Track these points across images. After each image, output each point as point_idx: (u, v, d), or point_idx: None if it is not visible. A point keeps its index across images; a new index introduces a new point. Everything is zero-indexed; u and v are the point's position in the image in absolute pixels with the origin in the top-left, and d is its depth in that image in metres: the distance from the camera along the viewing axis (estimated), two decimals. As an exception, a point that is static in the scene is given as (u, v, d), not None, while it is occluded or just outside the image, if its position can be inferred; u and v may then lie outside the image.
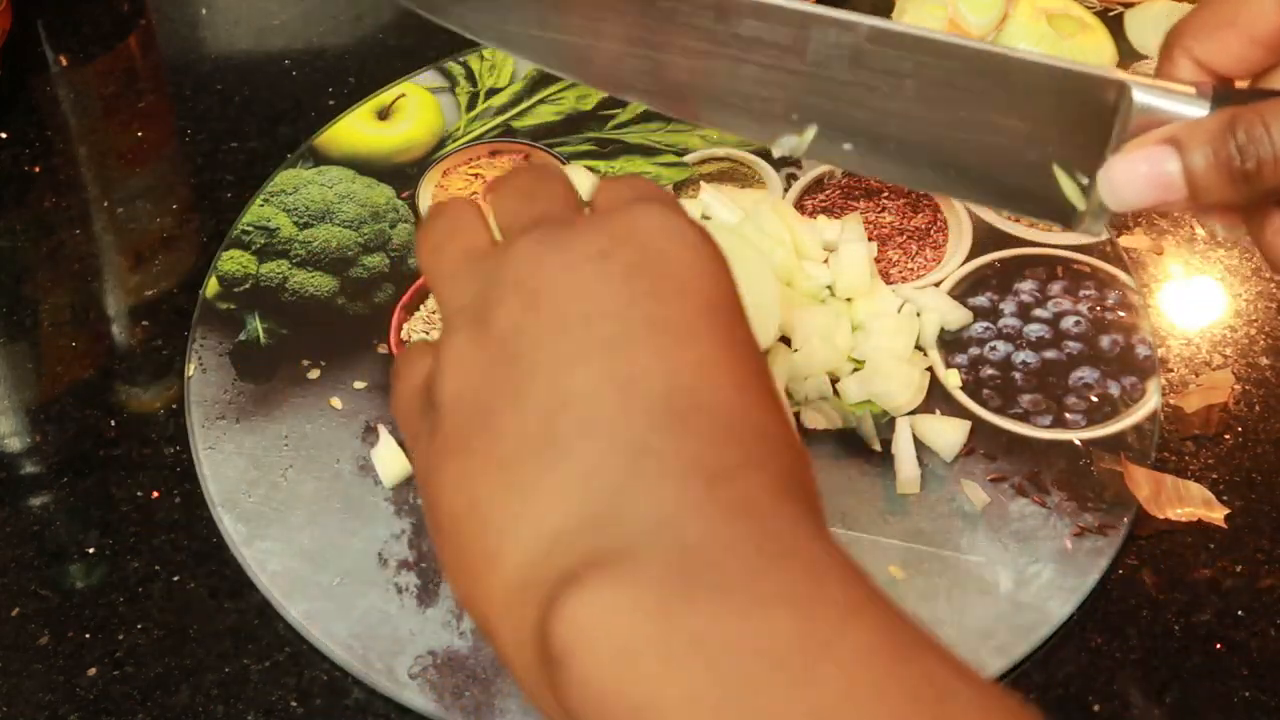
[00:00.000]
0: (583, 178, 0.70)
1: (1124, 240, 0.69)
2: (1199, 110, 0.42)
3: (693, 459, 0.33)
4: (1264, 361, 0.64)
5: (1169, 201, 0.42)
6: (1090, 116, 0.44)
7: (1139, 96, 0.42)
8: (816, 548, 0.32)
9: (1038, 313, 0.65)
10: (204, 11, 0.82)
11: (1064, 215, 0.48)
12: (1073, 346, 0.63)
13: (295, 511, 0.58)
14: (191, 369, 0.63)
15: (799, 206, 0.69)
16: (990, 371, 0.62)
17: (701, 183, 0.69)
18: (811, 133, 0.50)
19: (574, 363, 0.34)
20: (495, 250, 0.38)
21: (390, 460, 0.58)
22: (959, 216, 0.69)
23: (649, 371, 0.34)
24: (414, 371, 0.38)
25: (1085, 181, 0.46)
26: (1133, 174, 0.42)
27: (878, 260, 0.66)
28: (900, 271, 0.66)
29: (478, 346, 0.36)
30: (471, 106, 0.74)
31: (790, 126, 0.50)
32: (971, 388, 0.62)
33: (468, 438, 0.35)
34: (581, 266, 0.36)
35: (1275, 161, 0.40)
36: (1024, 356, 0.63)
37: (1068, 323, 0.64)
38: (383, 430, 0.60)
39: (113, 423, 0.62)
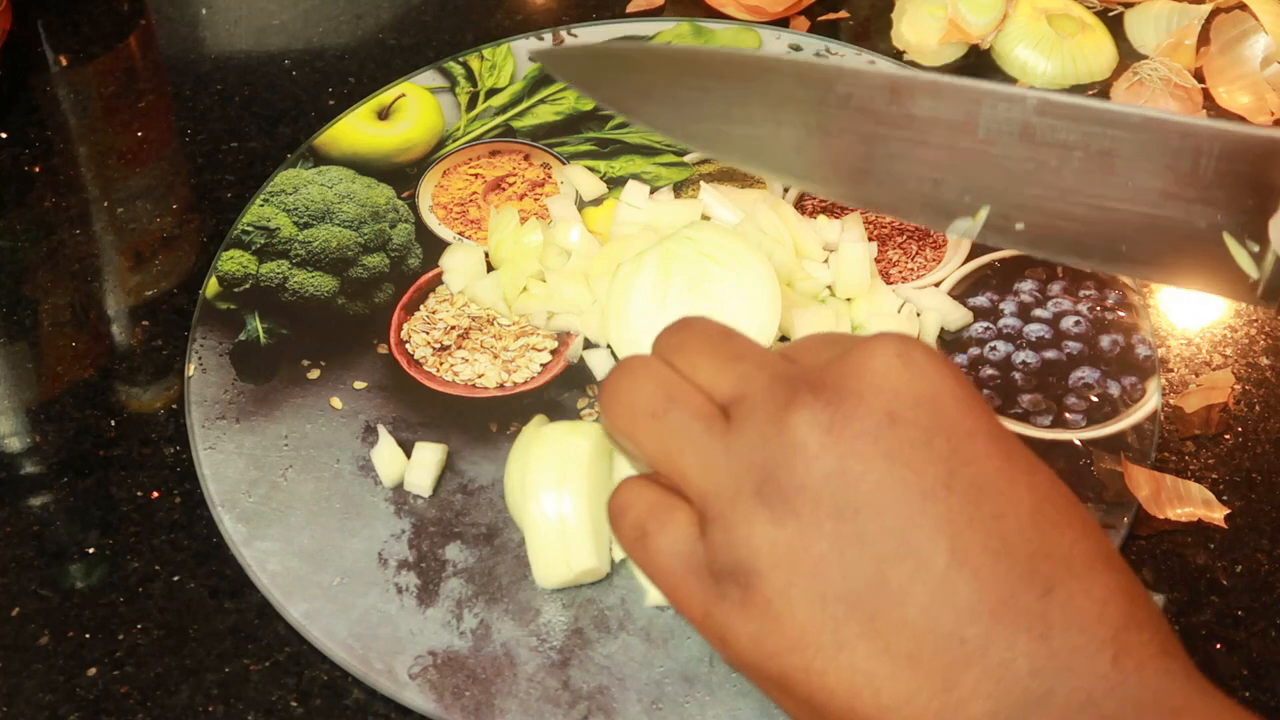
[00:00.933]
0: (584, 178, 0.70)
1: (1124, 240, 0.69)
2: None
3: (1094, 626, 0.35)
4: (1264, 361, 0.64)
5: None
6: (1257, 178, 0.44)
7: None
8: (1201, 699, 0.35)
9: (1038, 313, 0.65)
10: (204, 11, 0.82)
11: (1239, 286, 0.48)
12: (1073, 347, 0.63)
13: (295, 511, 0.58)
14: (191, 369, 0.63)
15: (799, 206, 0.69)
16: (990, 371, 0.62)
17: (701, 183, 0.69)
18: (984, 213, 0.49)
19: (949, 574, 0.35)
20: (743, 427, 0.38)
21: (390, 460, 0.58)
22: (959, 216, 0.69)
23: (1013, 547, 0.35)
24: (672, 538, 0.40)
25: (1257, 249, 0.45)
26: None
27: (878, 260, 0.66)
28: (900, 271, 0.66)
29: (815, 542, 0.36)
30: (471, 106, 0.74)
31: (964, 208, 0.50)
32: (971, 388, 0.62)
33: (851, 632, 0.36)
34: (885, 447, 0.36)
35: None
36: (1024, 356, 0.63)
37: (1068, 323, 0.64)
38: (382, 430, 0.60)
39: (113, 423, 0.62)
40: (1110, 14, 0.81)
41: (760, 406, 0.38)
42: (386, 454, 0.59)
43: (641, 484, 0.41)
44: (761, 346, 0.41)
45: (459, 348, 0.63)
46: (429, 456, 0.58)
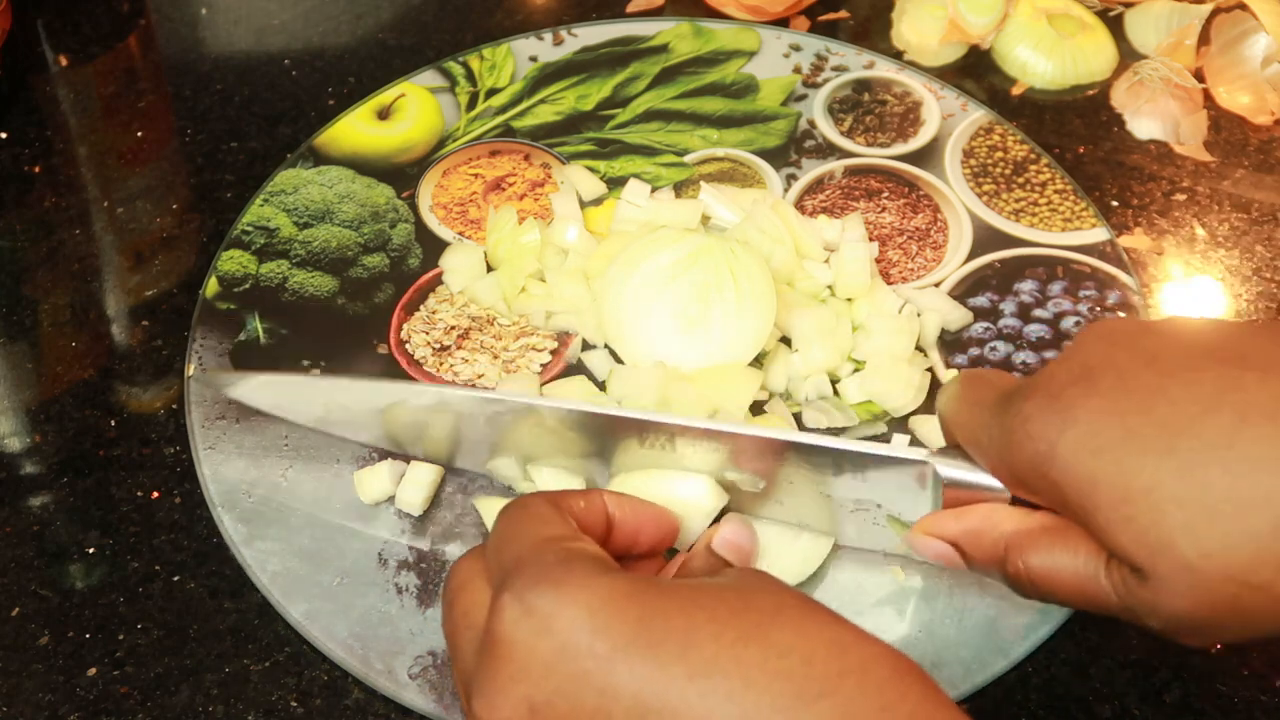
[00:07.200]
0: (584, 178, 0.70)
1: (1124, 240, 0.69)
2: (999, 484, 0.48)
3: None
4: (1264, 362, 0.64)
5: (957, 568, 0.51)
6: (911, 486, 0.52)
7: (945, 472, 0.49)
8: None
9: (1038, 313, 0.65)
10: (204, 11, 0.82)
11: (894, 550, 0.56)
12: (1073, 347, 0.63)
13: (295, 511, 0.58)
14: (191, 369, 0.63)
15: (799, 206, 0.69)
16: (990, 372, 0.62)
17: (702, 183, 0.69)
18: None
19: None
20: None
21: (372, 482, 0.58)
22: (959, 217, 0.69)
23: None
24: None
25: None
26: (928, 549, 0.50)
27: (878, 260, 0.66)
28: (900, 271, 0.66)
29: None
30: (471, 106, 0.74)
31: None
32: (971, 388, 0.62)
33: None
34: None
35: (1031, 584, 0.47)
36: (1024, 357, 0.63)
37: (1068, 323, 0.64)
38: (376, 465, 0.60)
39: (113, 423, 0.62)
40: (1110, 14, 0.81)
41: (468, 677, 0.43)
42: (369, 476, 0.58)
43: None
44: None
45: (459, 348, 0.63)
46: (424, 476, 0.58)
